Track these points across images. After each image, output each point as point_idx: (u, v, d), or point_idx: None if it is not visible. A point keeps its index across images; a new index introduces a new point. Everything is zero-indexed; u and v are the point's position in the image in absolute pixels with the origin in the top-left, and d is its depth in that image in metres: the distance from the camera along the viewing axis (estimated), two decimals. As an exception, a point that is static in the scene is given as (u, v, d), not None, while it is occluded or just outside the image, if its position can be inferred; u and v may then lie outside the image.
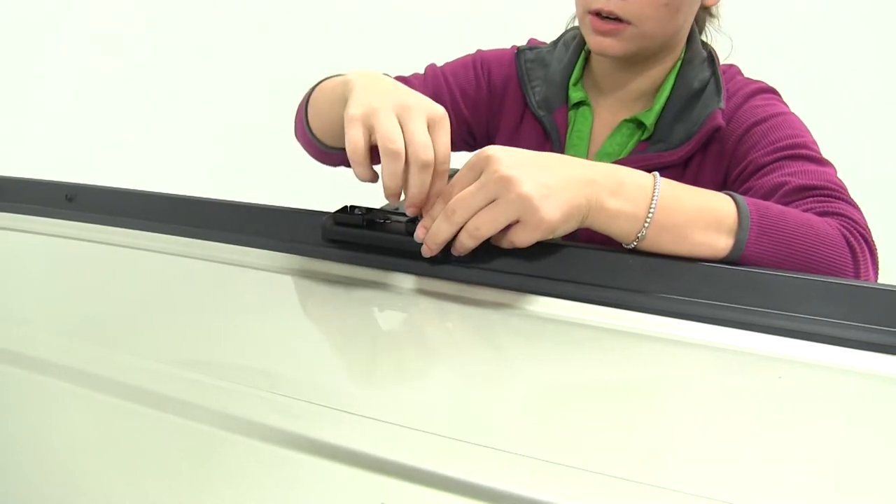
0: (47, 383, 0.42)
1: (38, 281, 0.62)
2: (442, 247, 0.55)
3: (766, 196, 0.66)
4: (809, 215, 0.59)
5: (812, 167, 0.67)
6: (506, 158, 0.52)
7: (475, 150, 0.91)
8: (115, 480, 0.34)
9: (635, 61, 0.79)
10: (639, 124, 0.80)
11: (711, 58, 0.81)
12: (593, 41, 0.74)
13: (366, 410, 0.38)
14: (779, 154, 0.70)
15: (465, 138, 0.93)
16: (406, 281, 0.57)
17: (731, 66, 0.85)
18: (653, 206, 0.54)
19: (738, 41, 0.86)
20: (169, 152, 2.16)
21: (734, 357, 0.46)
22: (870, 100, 1.69)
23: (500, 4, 1.86)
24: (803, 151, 0.69)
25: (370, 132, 0.54)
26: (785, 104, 0.79)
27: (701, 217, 0.54)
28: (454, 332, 0.51)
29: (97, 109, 2.14)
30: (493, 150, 0.53)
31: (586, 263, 0.54)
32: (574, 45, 0.86)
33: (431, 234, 0.54)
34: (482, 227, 0.52)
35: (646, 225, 0.53)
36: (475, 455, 0.34)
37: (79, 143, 2.14)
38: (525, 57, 0.89)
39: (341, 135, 0.57)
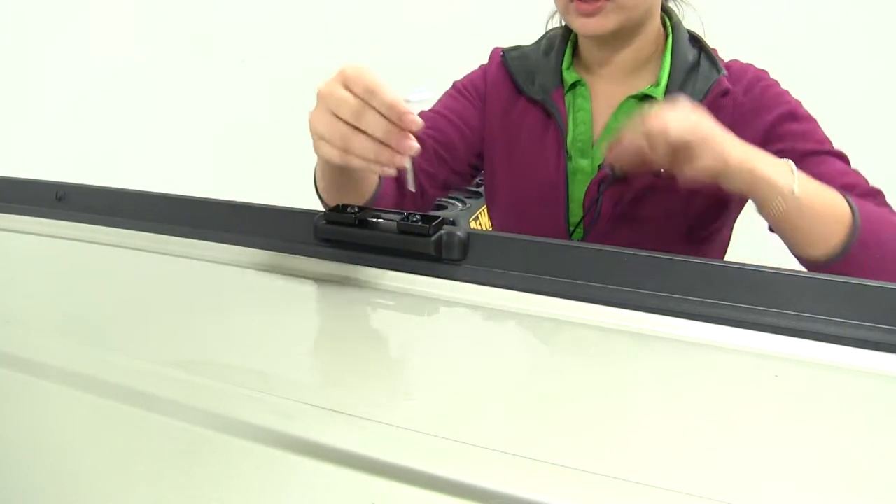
0: (37, 384, 0.42)
1: (28, 280, 0.62)
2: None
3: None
4: None
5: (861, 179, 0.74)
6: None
7: (479, 171, 0.92)
8: (107, 480, 0.34)
9: (620, 36, 0.81)
10: (642, 100, 0.82)
11: (692, 36, 0.85)
12: (580, 24, 0.77)
13: (357, 410, 0.37)
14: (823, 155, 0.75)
15: (474, 163, 0.92)
16: (398, 280, 0.57)
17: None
18: (796, 183, 0.61)
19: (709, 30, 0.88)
20: (160, 151, 2.15)
21: (731, 355, 0.46)
22: (871, 101, 1.70)
23: (479, 13, 1.86)
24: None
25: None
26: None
27: (831, 210, 0.63)
28: (447, 331, 0.51)
29: (88, 108, 2.13)
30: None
31: (582, 261, 0.54)
32: (560, 38, 0.89)
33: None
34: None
35: (796, 193, 0.60)
36: (468, 455, 0.33)
37: (69, 142, 2.13)
38: (511, 55, 0.91)
39: (343, 193, 0.68)
